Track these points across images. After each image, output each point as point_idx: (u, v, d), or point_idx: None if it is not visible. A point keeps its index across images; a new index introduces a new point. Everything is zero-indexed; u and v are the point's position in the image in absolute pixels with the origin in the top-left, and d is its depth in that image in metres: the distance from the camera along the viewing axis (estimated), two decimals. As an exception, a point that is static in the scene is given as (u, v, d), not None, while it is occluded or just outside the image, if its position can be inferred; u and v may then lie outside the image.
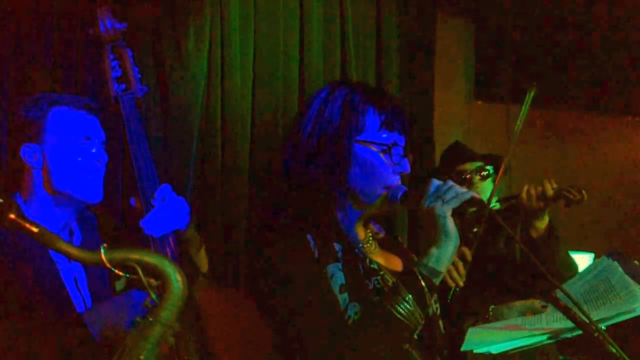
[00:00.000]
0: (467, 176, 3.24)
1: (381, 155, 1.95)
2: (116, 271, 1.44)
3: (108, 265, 1.43)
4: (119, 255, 1.44)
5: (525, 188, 3.06)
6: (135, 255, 1.45)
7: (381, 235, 2.13)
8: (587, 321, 1.69)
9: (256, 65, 3.52)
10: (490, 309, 2.20)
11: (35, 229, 1.42)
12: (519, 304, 2.16)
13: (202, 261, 2.35)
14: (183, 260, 2.18)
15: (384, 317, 1.81)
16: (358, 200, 1.97)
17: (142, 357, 1.44)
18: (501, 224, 1.79)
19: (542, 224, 3.04)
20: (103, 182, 2.24)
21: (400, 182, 1.98)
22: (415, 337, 1.87)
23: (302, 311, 1.82)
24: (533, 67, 4.48)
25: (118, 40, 2.24)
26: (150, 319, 1.46)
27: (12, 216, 1.41)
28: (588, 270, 2.12)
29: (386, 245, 2.11)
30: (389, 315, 1.80)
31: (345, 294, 1.86)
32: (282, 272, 1.85)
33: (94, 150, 2.20)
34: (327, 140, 1.93)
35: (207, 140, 3.37)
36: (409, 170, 1.99)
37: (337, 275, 1.87)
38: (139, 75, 2.26)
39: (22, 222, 1.42)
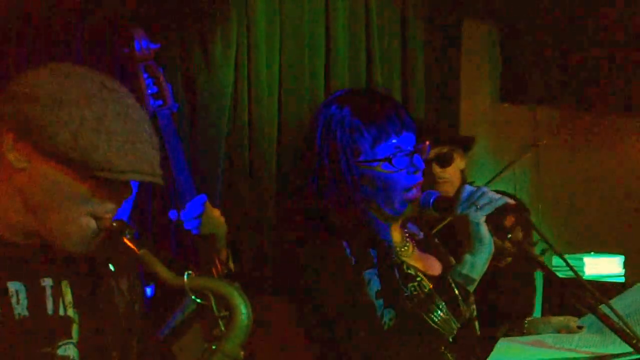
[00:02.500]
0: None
1: (383, 169, 1.94)
2: (193, 297, 1.51)
3: (188, 290, 1.49)
4: (199, 282, 1.51)
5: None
6: (211, 284, 1.52)
7: (419, 236, 2.13)
8: (631, 334, 1.69)
9: (282, 71, 3.54)
10: (525, 322, 2.19)
11: (141, 251, 1.53)
12: (554, 320, 2.16)
13: None
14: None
15: (418, 325, 1.82)
16: (383, 212, 1.98)
17: None
18: (537, 231, 1.79)
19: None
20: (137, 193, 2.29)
21: (418, 180, 1.96)
22: (450, 339, 1.88)
23: (342, 317, 1.84)
24: (561, 68, 4.44)
25: (151, 59, 2.29)
26: (214, 347, 1.50)
27: (126, 240, 1.52)
28: (631, 292, 2.11)
29: (424, 247, 2.11)
30: (423, 323, 1.81)
31: (381, 300, 1.88)
32: (321, 279, 1.87)
33: None
34: (334, 169, 1.95)
35: (235, 148, 3.39)
36: (422, 165, 1.97)
37: (373, 281, 1.89)
38: (172, 92, 2.31)
39: (131, 244, 1.53)
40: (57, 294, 1.53)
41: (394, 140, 1.94)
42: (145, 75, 2.27)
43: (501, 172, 2.70)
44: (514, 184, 4.21)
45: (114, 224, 1.52)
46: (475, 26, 4.41)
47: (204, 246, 2.29)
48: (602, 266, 4.05)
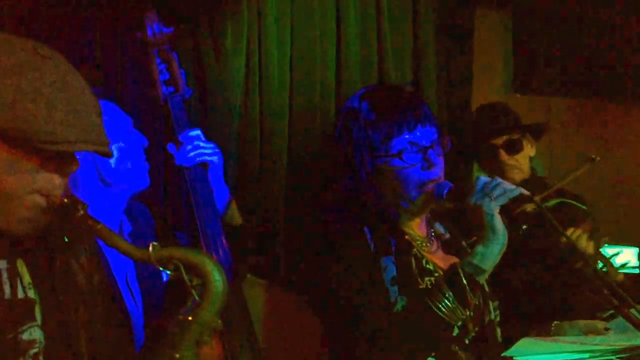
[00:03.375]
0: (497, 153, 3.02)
1: (396, 165, 1.95)
2: (161, 269, 1.46)
3: (155, 262, 1.45)
4: (165, 253, 1.45)
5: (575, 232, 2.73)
6: (179, 254, 1.46)
7: (446, 237, 2.13)
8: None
9: (293, 64, 3.53)
10: (552, 325, 2.18)
11: (98, 226, 1.47)
12: (582, 323, 2.15)
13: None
14: (233, 259, 2.23)
15: (425, 313, 1.83)
16: (398, 205, 1.99)
17: (177, 355, 1.43)
18: (553, 223, 1.78)
19: None
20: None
21: (435, 176, 1.97)
22: (467, 341, 1.89)
23: (355, 298, 1.87)
24: (574, 58, 4.40)
25: (165, 44, 2.26)
26: (189, 318, 1.45)
27: (81, 214, 1.46)
28: None
29: (448, 248, 2.11)
30: (430, 311, 1.82)
31: (396, 287, 1.89)
32: (339, 262, 1.90)
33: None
34: (348, 161, 1.99)
35: (245, 140, 3.39)
36: (436, 161, 1.98)
37: (389, 268, 1.91)
38: (185, 78, 2.29)
39: (88, 218, 1.47)
40: (14, 276, 1.46)
41: (406, 136, 1.95)
42: (159, 61, 2.26)
43: (559, 184, 2.68)
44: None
45: (65, 200, 1.45)
46: (488, 16, 4.37)
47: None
48: (617, 258, 4.02)
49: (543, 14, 4.37)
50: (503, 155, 3.01)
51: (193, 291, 1.45)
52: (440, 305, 1.81)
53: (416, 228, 2.05)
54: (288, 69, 3.51)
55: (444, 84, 4.08)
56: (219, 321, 1.46)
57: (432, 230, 2.10)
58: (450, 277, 1.85)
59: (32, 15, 2.78)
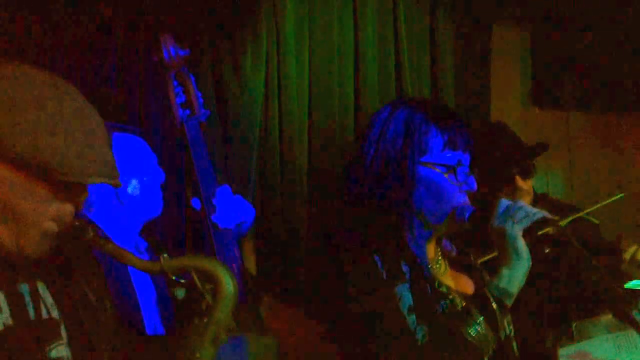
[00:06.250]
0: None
1: (446, 175, 1.93)
2: (174, 278, 1.55)
3: (168, 273, 1.54)
4: (176, 263, 1.55)
5: (633, 249, 2.75)
6: (190, 262, 1.56)
7: (453, 254, 2.10)
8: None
9: (312, 81, 3.55)
10: (573, 326, 2.15)
11: (109, 245, 1.56)
12: (604, 319, 2.12)
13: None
14: (250, 278, 2.23)
15: (455, 339, 1.80)
16: (426, 220, 1.96)
17: (198, 355, 1.53)
18: (575, 245, 1.76)
19: None
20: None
21: (467, 201, 1.95)
22: (486, 359, 1.85)
23: (374, 332, 1.82)
24: (594, 72, 4.36)
25: (181, 66, 2.27)
26: (205, 319, 1.55)
27: (91, 235, 1.54)
28: None
29: (457, 265, 2.08)
30: (460, 337, 1.79)
31: (414, 316, 1.85)
32: (353, 293, 1.85)
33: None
34: (391, 163, 1.93)
35: (266, 157, 3.40)
36: (475, 187, 1.96)
37: (405, 296, 1.86)
38: (202, 100, 2.30)
39: (98, 239, 1.56)
40: (37, 298, 1.52)
41: (459, 153, 1.95)
42: (175, 83, 2.27)
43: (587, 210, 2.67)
44: (547, 191, 4.14)
45: (76, 223, 1.54)
46: (506, 30, 4.36)
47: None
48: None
49: (561, 29, 4.34)
50: (519, 181, 2.97)
51: (207, 295, 1.54)
52: (470, 331, 1.79)
53: (429, 250, 2.02)
54: (307, 87, 3.53)
55: (462, 99, 4.07)
56: (231, 321, 1.56)
57: (439, 250, 2.07)
58: (480, 302, 1.83)
59: (50, 41, 2.80)
